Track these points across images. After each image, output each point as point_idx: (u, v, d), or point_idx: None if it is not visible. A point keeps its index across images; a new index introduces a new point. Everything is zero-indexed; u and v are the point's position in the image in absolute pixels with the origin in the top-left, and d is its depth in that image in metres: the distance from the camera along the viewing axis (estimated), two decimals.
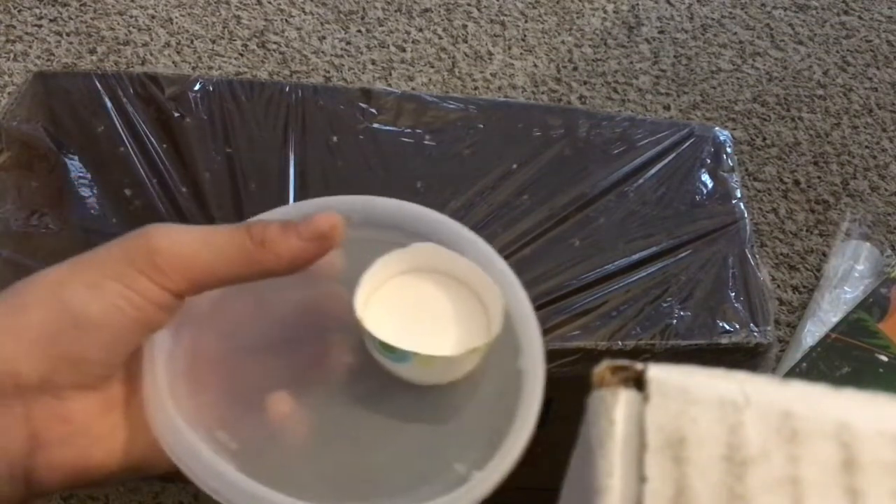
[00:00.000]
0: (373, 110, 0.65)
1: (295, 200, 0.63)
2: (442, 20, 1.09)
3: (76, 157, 0.61)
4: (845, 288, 0.83)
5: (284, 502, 0.32)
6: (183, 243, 0.32)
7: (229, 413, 0.35)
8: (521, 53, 1.07)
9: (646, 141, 0.66)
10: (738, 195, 0.63)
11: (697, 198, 0.63)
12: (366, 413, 0.37)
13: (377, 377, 0.37)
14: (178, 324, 0.35)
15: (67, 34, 1.01)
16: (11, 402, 0.30)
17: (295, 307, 0.39)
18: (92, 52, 1.00)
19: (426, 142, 0.64)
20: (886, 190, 0.97)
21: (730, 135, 0.68)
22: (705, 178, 0.64)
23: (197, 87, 0.65)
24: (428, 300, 0.39)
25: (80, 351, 0.31)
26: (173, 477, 0.34)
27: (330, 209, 0.36)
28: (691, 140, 0.66)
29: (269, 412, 0.35)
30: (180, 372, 0.34)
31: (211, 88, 0.65)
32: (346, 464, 0.37)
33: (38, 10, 1.04)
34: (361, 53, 1.03)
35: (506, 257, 0.58)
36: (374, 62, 1.03)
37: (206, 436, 0.33)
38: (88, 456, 0.32)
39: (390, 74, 1.01)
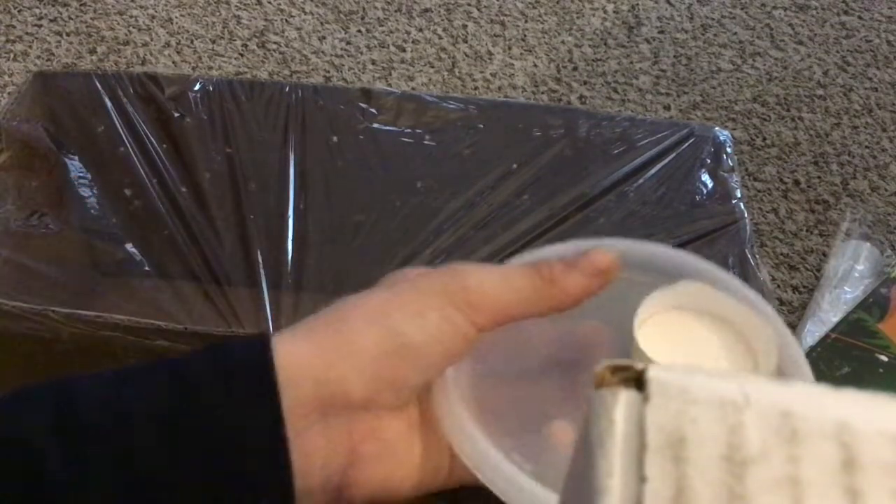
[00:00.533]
0: (373, 110, 0.65)
1: (295, 200, 0.63)
2: (442, 20, 1.09)
3: (76, 157, 0.61)
4: (845, 288, 0.83)
5: None
6: (490, 284, 0.35)
7: (519, 439, 0.36)
8: (521, 53, 1.07)
9: (646, 141, 0.66)
10: (738, 195, 0.63)
11: (697, 198, 0.63)
12: None
13: None
14: None
15: (67, 34, 1.01)
16: (339, 418, 0.33)
17: (558, 336, 0.40)
18: (92, 52, 1.00)
19: (426, 142, 0.64)
20: (886, 190, 0.97)
21: (730, 135, 0.68)
22: (705, 178, 0.64)
23: (197, 87, 0.65)
24: (698, 337, 0.39)
25: (402, 374, 0.34)
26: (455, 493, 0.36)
27: (596, 249, 0.39)
28: (691, 140, 0.66)
29: (553, 439, 0.37)
30: (467, 401, 0.36)
31: (211, 88, 0.65)
32: None
33: (38, 10, 1.04)
34: (361, 53, 1.03)
35: (506, 257, 0.58)
36: (374, 62, 1.03)
37: (504, 456, 0.34)
38: (392, 474, 0.35)
39: (390, 74, 1.01)
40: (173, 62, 1.00)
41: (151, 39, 1.02)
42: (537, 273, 0.36)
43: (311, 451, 0.32)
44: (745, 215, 0.62)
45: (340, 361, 0.32)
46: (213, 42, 1.02)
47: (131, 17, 1.04)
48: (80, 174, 0.61)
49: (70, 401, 0.31)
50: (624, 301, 0.39)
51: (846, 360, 0.74)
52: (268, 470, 0.31)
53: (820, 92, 1.07)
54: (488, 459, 0.34)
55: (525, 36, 1.09)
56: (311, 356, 0.32)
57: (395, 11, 1.09)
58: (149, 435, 0.30)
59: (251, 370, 0.31)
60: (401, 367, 0.33)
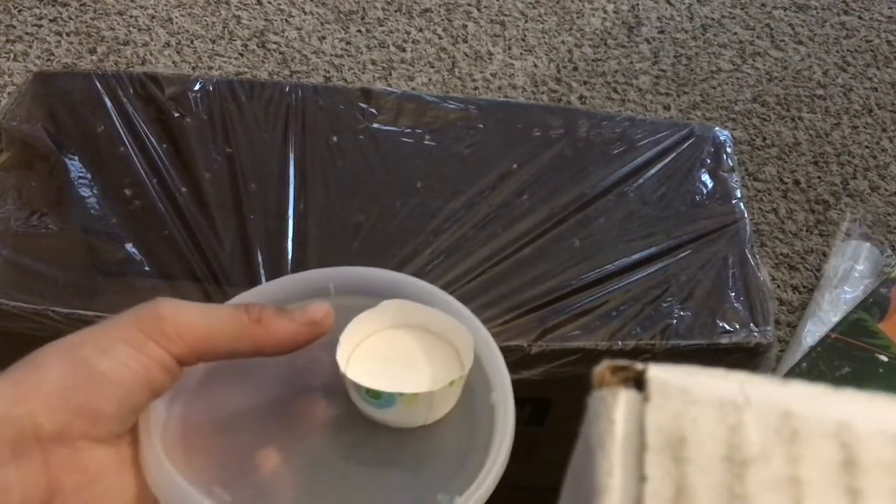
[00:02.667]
0: (373, 110, 0.65)
1: (295, 200, 0.63)
2: (442, 20, 1.09)
3: (76, 157, 0.61)
4: (845, 288, 0.83)
5: None
6: (187, 314, 0.35)
7: (222, 472, 0.37)
8: (521, 53, 1.07)
9: (646, 141, 0.66)
10: (738, 195, 0.63)
11: (697, 198, 0.63)
12: (352, 460, 0.41)
13: (362, 426, 0.40)
14: (171, 395, 0.37)
15: (67, 34, 1.01)
16: (31, 452, 0.32)
17: (278, 374, 0.41)
18: (92, 52, 1.00)
19: (426, 142, 0.64)
20: (886, 190, 0.97)
21: (730, 135, 0.68)
22: (705, 178, 0.64)
23: (197, 87, 0.65)
24: (404, 350, 0.42)
25: (94, 404, 0.33)
26: None
27: (301, 282, 0.42)
28: (691, 140, 0.66)
29: (259, 467, 0.38)
30: (175, 438, 0.37)
31: (211, 88, 0.65)
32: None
33: (38, 10, 1.04)
34: (361, 53, 1.03)
35: (506, 257, 0.59)
36: (374, 62, 1.03)
37: (203, 490, 0.35)
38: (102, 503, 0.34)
39: (390, 74, 1.01)
40: (173, 62, 1.00)
41: (151, 39, 1.02)
42: (245, 312, 0.37)
43: (6, 488, 0.32)
44: (745, 215, 0.62)
45: (26, 397, 0.32)
46: (213, 42, 1.02)
47: (131, 17, 1.04)
48: (80, 174, 0.61)
49: None
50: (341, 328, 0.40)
51: (846, 360, 0.74)
52: None
53: (820, 92, 1.07)
54: (179, 493, 0.35)
55: (525, 36, 1.09)
56: None
57: (395, 11, 1.09)
58: None
59: None
60: (92, 398, 0.33)
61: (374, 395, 0.39)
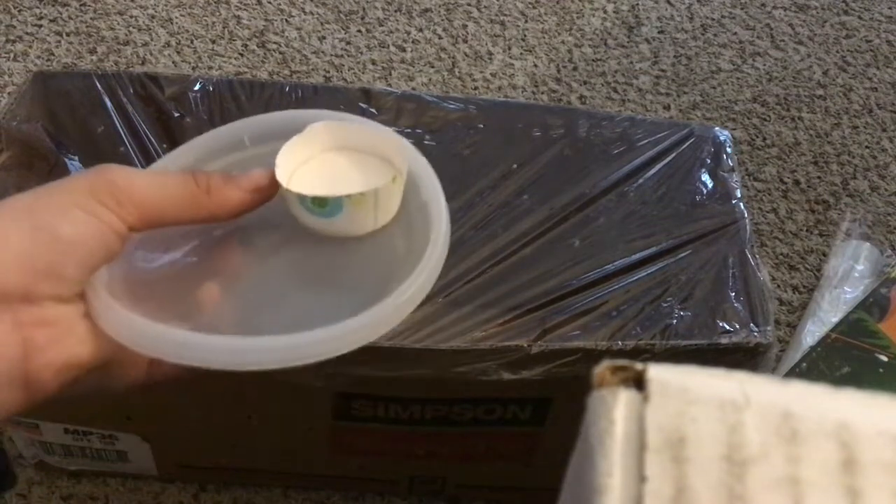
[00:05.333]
0: (373, 110, 0.65)
1: None
2: (442, 20, 1.09)
3: (76, 157, 0.61)
4: (845, 288, 0.83)
5: (244, 342, 0.36)
6: (140, 184, 0.37)
7: (172, 312, 0.39)
8: (521, 53, 1.07)
9: (646, 141, 0.66)
10: (738, 195, 0.63)
11: (697, 198, 0.63)
12: (296, 274, 0.42)
13: (302, 242, 0.42)
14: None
15: (67, 34, 1.01)
16: (2, 312, 0.34)
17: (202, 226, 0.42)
18: (92, 52, 1.00)
19: (426, 142, 0.64)
20: (886, 190, 0.97)
21: (730, 135, 0.68)
22: (705, 178, 0.64)
23: (197, 87, 0.65)
24: (339, 166, 0.43)
25: (57, 267, 0.35)
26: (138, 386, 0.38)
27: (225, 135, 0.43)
28: (691, 140, 0.66)
29: (203, 302, 0.39)
30: (120, 292, 0.38)
31: (211, 88, 0.65)
32: (296, 310, 0.40)
33: (38, 10, 1.04)
34: (361, 53, 1.03)
35: (506, 257, 0.58)
36: (374, 62, 1.03)
37: (162, 326, 0.37)
38: (77, 354, 0.36)
39: (390, 74, 1.01)
40: (173, 62, 1.00)
41: (151, 39, 1.02)
42: (193, 181, 0.38)
43: None
44: (745, 215, 0.62)
45: None
46: (213, 42, 1.02)
47: (131, 17, 1.04)
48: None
49: None
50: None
51: (846, 360, 0.74)
52: None
53: (820, 92, 1.07)
54: (159, 335, 0.36)
55: (525, 36, 1.09)
56: None
57: (395, 11, 1.09)
58: None
59: None
60: (54, 260, 0.34)
61: (320, 204, 0.40)
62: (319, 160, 0.43)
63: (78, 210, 0.35)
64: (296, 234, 0.42)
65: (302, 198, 0.40)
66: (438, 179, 0.44)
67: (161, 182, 0.38)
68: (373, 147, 0.44)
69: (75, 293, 0.36)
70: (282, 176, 0.40)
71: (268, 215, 0.42)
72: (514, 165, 0.63)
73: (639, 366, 0.20)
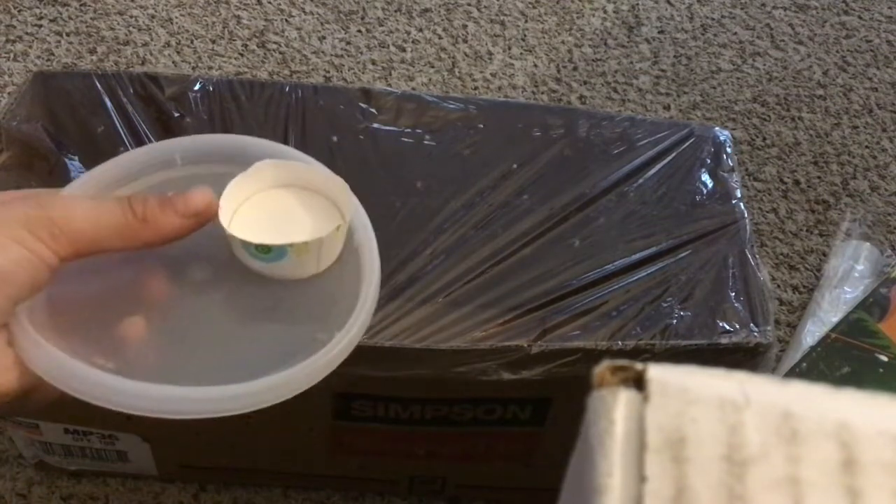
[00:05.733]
0: (373, 110, 0.65)
1: None
2: (442, 20, 1.09)
3: (76, 157, 0.61)
4: (845, 288, 0.83)
5: (165, 391, 0.36)
6: (79, 218, 0.37)
7: (96, 345, 0.38)
8: (521, 53, 1.07)
9: (646, 141, 0.66)
10: (738, 195, 0.63)
11: (697, 198, 0.63)
12: (227, 314, 0.41)
13: (233, 281, 0.41)
14: None
15: (67, 34, 1.01)
16: None
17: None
18: (92, 52, 1.00)
19: (426, 142, 0.64)
20: (886, 190, 0.97)
21: (730, 135, 0.68)
22: (705, 178, 0.64)
23: (197, 87, 0.65)
24: (283, 207, 0.43)
25: None
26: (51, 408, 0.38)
27: (158, 152, 0.42)
28: (691, 140, 0.66)
29: (127, 337, 0.39)
30: (44, 321, 0.38)
31: (211, 88, 0.65)
32: (217, 356, 0.40)
33: (38, 10, 1.04)
34: (361, 53, 1.03)
35: (506, 257, 0.58)
36: (374, 62, 1.03)
37: (84, 362, 0.37)
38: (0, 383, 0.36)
39: (390, 74, 1.01)
40: (173, 62, 1.00)
41: (151, 39, 1.02)
42: (130, 209, 0.37)
43: None
44: (745, 215, 0.62)
45: None
46: (213, 42, 1.02)
47: (131, 17, 1.04)
48: (81, 174, 0.61)
49: None
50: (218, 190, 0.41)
51: (846, 360, 0.74)
52: None
53: (820, 92, 1.07)
54: (73, 372, 0.36)
55: (525, 36, 1.09)
56: None
57: (395, 11, 1.09)
58: None
59: None
60: None
61: (264, 251, 0.40)
62: (262, 196, 0.43)
63: (13, 244, 0.35)
64: (230, 268, 0.42)
65: (245, 242, 0.40)
66: (369, 221, 0.45)
67: (97, 213, 0.37)
68: (315, 186, 0.44)
69: (1, 324, 0.36)
70: (225, 216, 0.40)
71: (202, 244, 0.41)
72: (514, 165, 0.63)
73: (639, 366, 0.20)
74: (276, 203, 0.43)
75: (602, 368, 0.21)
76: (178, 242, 0.40)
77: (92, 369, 0.36)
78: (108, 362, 0.38)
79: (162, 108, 0.63)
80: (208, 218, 0.39)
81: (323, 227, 0.42)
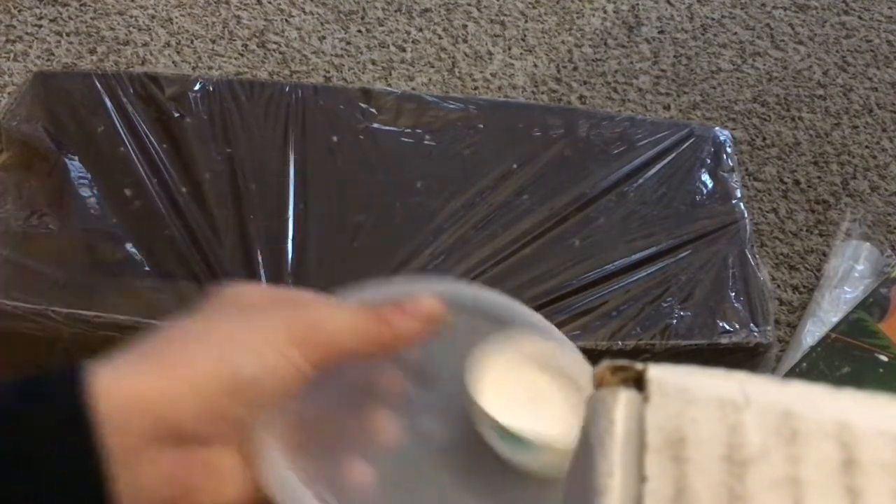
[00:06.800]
0: (373, 110, 0.65)
1: (295, 200, 0.63)
2: (442, 20, 1.09)
3: (76, 157, 0.61)
4: (845, 288, 0.83)
5: None
6: (336, 324, 0.35)
7: (325, 473, 0.37)
8: (521, 53, 1.07)
9: (646, 141, 0.66)
10: (738, 195, 0.63)
11: (697, 198, 0.63)
12: (454, 477, 0.39)
13: (468, 444, 0.39)
14: None
15: (67, 34, 1.01)
16: (170, 451, 0.32)
17: (355, 381, 0.40)
18: (92, 52, 1.00)
19: (426, 142, 0.64)
20: (886, 190, 0.97)
21: (730, 135, 0.68)
22: (705, 178, 0.64)
23: (197, 87, 0.65)
24: (534, 387, 0.40)
25: (235, 411, 0.33)
26: None
27: (419, 293, 0.39)
28: (691, 140, 0.66)
29: (352, 474, 0.38)
30: (279, 435, 0.36)
31: (211, 88, 0.65)
32: None
33: (38, 10, 1.04)
34: (361, 53, 1.03)
35: (506, 257, 0.59)
36: (374, 62, 1.03)
37: (315, 495, 0.35)
38: (230, 501, 0.34)
39: (390, 74, 1.01)
40: (173, 62, 1.00)
41: (151, 39, 1.02)
42: (377, 315, 0.36)
43: (139, 485, 0.31)
44: (745, 215, 0.62)
45: (172, 392, 0.32)
46: (213, 42, 1.02)
47: (131, 17, 1.04)
48: (80, 174, 0.61)
49: None
50: (446, 342, 0.39)
51: (846, 360, 0.74)
52: None
53: (820, 92, 1.07)
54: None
55: (525, 36, 1.09)
56: (140, 386, 0.31)
57: (395, 11, 1.09)
58: None
59: (64, 407, 0.30)
60: (235, 403, 0.33)
61: (513, 438, 0.38)
62: (513, 368, 0.40)
63: (269, 350, 0.33)
64: (463, 429, 0.39)
65: (494, 423, 0.38)
66: None
67: (355, 321, 0.36)
68: (567, 369, 0.41)
69: (242, 436, 0.35)
70: (471, 381, 0.38)
71: (436, 397, 0.40)
72: (514, 165, 0.63)
73: (639, 366, 0.20)
74: (525, 380, 0.40)
75: (602, 368, 0.21)
76: (419, 392, 0.39)
77: None
78: (333, 499, 0.36)
79: (162, 108, 0.63)
80: (437, 324, 0.38)
81: (572, 424, 0.38)
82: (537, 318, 0.42)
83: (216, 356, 0.33)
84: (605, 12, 1.13)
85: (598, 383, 0.20)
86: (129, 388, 0.31)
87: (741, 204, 0.63)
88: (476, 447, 0.39)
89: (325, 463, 0.38)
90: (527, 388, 0.40)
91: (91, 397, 0.30)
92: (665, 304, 0.57)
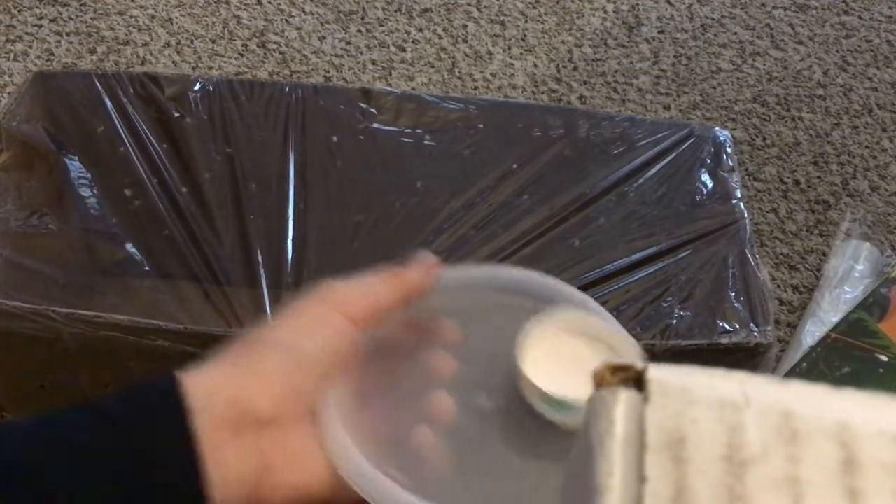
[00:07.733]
0: (373, 110, 0.65)
1: (295, 200, 0.63)
2: (442, 20, 1.09)
3: (76, 157, 0.61)
4: (845, 288, 0.83)
5: None
6: (353, 283, 0.41)
7: (389, 450, 0.40)
8: (521, 53, 1.07)
9: (646, 141, 0.66)
10: (738, 195, 0.63)
11: (697, 198, 0.63)
12: (510, 448, 0.42)
13: (521, 418, 0.42)
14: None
15: (67, 34, 1.01)
16: (248, 435, 0.36)
17: (413, 366, 0.44)
18: (92, 52, 1.00)
19: (426, 142, 0.64)
20: (886, 190, 0.97)
21: (730, 135, 0.68)
22: (705, 178, 0.64)
23: (197, 87, 0.65)
24: (579, 358, 0.43)
25: (302, 386, 0.37)
26: None
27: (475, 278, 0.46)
28: (691, 140, 0.66)
29: (419, 446, 0.40)
30: (345, 415, 0.39)
31: (211, 88, 0.65)
32: (497, 491, 0.41)
33: (38, 10, 1.04)
34: (361, 53, 1.03)
35: (506, 257, 0.58)
36: (374, 62, 1.03)
37: (382, 472, 0.38)
38: (302, 481, 0.37)
39: (390, 74, 1.01)
40: (173, 62, 1.00)
41: (151, 39, 1.02)
42: (384, 272, 0.42)
43: (227, 465, 0.35)
44: (745, 215, 0.62)
45: (248, 383, 0.36)
46: (213, 42, 1.02)
47: (131, 17, 1.04)
48: (80, 174, 0.61)
49: None
50: (492, 318, 0.44)
51: (846, 360, 0.74)
52: (187, 483, 0.33)
53: (820, 92, 1.07)
54: (373, 482, 0.37)
55: (525, 36, 1.09)
56: (221, 381, 0.36)
57: (395, 11, 1.09)
58: (61, 462, 0.32)
59: (162, 398, 0.35)
60: (300, 380, 0.37)
61: (559, 405, 0.40)
62: (558, 342, 0.43)
63: (317, 323, 0.38)
64: (516, 403, 0.42)
65: (543, 393, 0.41)
66: None
67: (374, 278, 0.41)
68: (613, 344, 0.44)
69: (309, 409, 0.38)
70: (521, 355, 0.41)
71: (490, 375, 0.42)
72: (514, 165, 0.63)
73: (639, 366, 0.20)
74: (571, 352, 0.43)
75: (602, 368, 0.21)
76: (466, 370, 0.42)
77: (397, 488, 0.37)
78: (399, 475, 0.38)
79: (162, 108, 0.63)
80: (434, 273, 0.43)
81: None
82: (581, 296, 0.45)
83: (280, 345, 0.38)
84: (605, 12, 1.13)
85: (598, 383, 0.20)
86: (213, 384, 0.36)
87: (741, 204, 0.63)
88: (526, 416, 0.42)
89: (390, 440, 0.40)
90: (569, 356, 0.43)
91: (182, 390, 0.34)
92: (665, 304, 0.57)
